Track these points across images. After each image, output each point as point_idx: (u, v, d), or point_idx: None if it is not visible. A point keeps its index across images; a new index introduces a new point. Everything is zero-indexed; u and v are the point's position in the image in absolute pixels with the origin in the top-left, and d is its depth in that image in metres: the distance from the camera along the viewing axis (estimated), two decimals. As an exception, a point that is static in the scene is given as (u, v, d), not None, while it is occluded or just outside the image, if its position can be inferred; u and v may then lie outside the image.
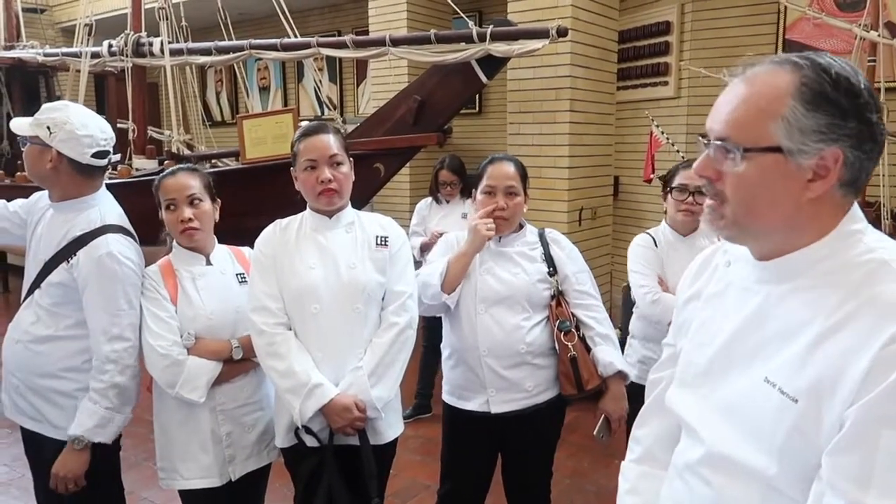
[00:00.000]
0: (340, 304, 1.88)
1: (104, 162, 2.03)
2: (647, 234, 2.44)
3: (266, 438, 2.03)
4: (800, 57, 0.89)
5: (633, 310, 2.49)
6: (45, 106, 2.01)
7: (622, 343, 2.48)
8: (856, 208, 0.93)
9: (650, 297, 2.31)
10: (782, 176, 0.88)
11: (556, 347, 2.07)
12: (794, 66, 0.88)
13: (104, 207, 2.01)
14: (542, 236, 2.19)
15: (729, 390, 0.97)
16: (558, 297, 2.11)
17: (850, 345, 0.81)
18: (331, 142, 1.91)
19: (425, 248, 3.78)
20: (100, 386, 1.87)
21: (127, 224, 2.05)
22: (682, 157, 4.27)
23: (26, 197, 2.17)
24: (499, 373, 2.05)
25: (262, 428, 2.02)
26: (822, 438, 0.83)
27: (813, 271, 0.90)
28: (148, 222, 2.11)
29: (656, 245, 2.39)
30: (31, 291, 1.99)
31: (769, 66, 0.90)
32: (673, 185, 2.35)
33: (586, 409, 1.93)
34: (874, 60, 3.59)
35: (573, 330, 2.08)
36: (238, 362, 1.95)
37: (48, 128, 1.93)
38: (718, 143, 0.92)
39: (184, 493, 2.00)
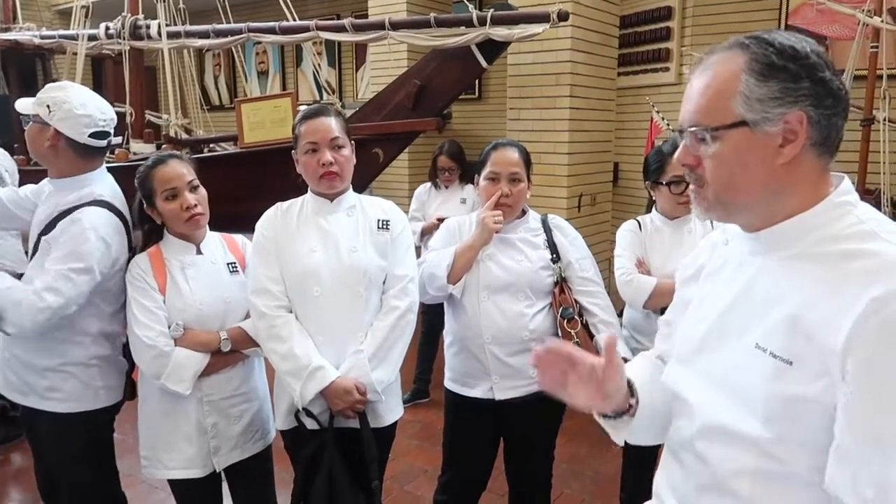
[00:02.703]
0: (341, 287, 1.87)
1: (103, 143, 2.03)
2: (636, 220, 2.44)
3: (252, 430, 2.03)
4: (746, 37, 0.95)
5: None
6: (47, 86, 2.03)
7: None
8: (846, 182, 0.95)
9: (624, 277, 2.31)
10: (753, 147, 0.92)
11: (560, 334, 2.07)
12: (741, 47, 0.93)
13: (99, 186, 2.01)
14: (545, 222, 2.18)
15: (723, 361, 0.99)
16: (561, 283, 2.10)
17: (839, 307, 0.83)
18: (332, 125, 1.90)
19: (425, 233, 3.77)
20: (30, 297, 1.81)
21: (119, 202, 2.03)
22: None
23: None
24: (502, 360, 2.05)
25: (249, 419, 2.01)
26: (811, 399, 0.85)
27: (802, 240, 0.93)
28: None
29: (641, 229, 2.39)
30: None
31: (720, 53, 0.96)
32: (668, 181, 2.27)
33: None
34: (877, 46, 3.57)
35: (576, 317, 2.07)
36: (226, 354, 1.94)
37: (48, 106, 1.94)
38: (690, 130, 0.97)
39: (172, 481, 2.00)
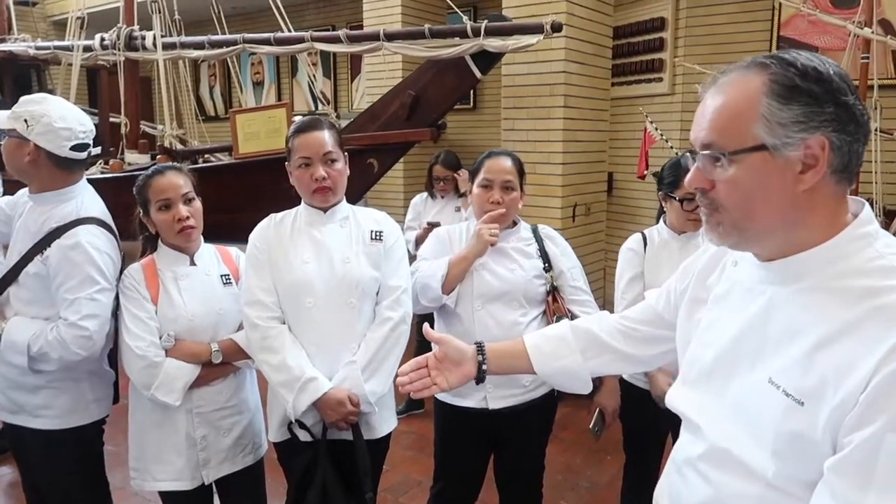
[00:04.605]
0: (335, 298, 1.87)
1: (83, 155, 2.00)
2: (641, 233, 2.38)
3: (242, 443, 2.02)
4: (765, 57, 0.91)
5: None
6: (23, 98, 1.98)
7: None
8: (867, 211, 0.92)
9: (618, 308, 2.24)
10: (773, 172, 0.88)
11: None
12: (760, 67, 0.89)
13: (82, 200, 1.99)
14: (535, 232, 2.19)
15: (734, 391, 0.97)
16: (553, 292, 2.11)
17: (855, 350, 0.81)
18: (325, 138, 1.90)
19: (419, 242, 3.78)
20: (48, 349, 1.85)
21: (106, 217, 2.02)
22: (676, 153, 4.27)
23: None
24: None
25: (239, 432, 2.00)
26: (819, 439, 0.83)
27: (819, 274, 0.90)
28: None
29: (646, 245, 2.33)
30: (7, 282, 1.97)
31: (738, 72, 0.92)
32: (682, 197, 2.21)
33: (578, 406, 1.94)
34: (867, 57, 3.60)
35: None
36: (217, 366, 1.93)
37: (25, 120, 1.90)
38: (705, 151, 0.93)
39: (162, 494, 1.99)
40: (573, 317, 2.11)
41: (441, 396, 2.19)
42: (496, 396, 2.07)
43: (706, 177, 0.94)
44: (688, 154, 0.96)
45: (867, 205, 0.93)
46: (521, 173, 2.13)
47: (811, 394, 0.85)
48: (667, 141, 4.31)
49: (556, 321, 2.06)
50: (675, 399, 1.11)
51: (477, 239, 2.04)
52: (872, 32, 3.57)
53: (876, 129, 3.64)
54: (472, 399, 2.10)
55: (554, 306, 2.10)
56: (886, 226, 3.61)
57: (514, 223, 2.18)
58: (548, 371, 1.40)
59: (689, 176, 0.97)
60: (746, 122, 0.88)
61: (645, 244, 2.34)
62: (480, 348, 1.41)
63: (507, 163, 2.11)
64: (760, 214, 0.91)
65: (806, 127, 0.86)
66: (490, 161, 2.12)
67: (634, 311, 1.37)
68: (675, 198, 2.23)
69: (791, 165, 0.87)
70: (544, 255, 2.14)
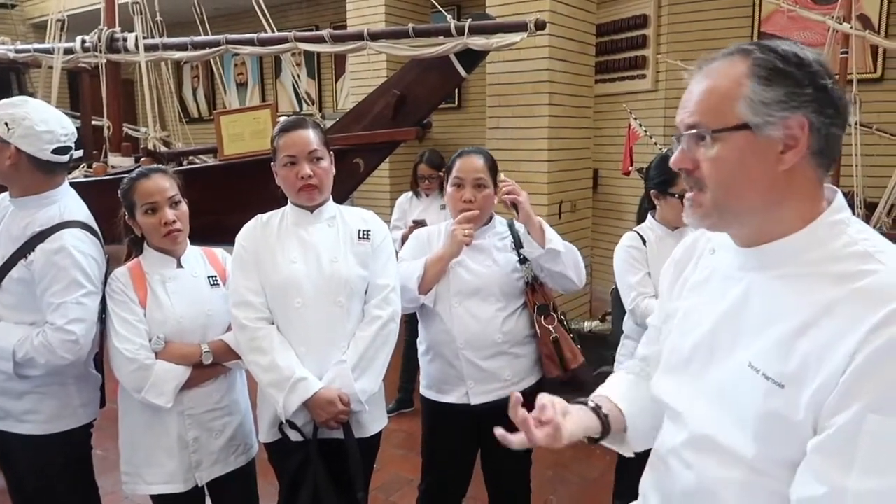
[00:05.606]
0: (323, 297, 1.87)
1: (65, 158, 1.97)
2: (635, 231, 2.37)
3: (234, 444, 2.01)
4: (749, 44, 0.95)
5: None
6: (2, 101, 1.95)
7: (616, 343, 2.47)
8: (839, 198, 0.95)
9: (630, 305, 2.27)
10: (755, 151, 0.91)
11: (538, 332, 2.11)
12: (744, 53, 0.94)
13: (65, 203, 1.97)
14: (511, 226, 2.21)
15: (714, 376, 0.99)
16: (533, 283, 2.13)
17: (835, 333, 0.83)
18: (310, 137, 1.90)
19: (406, 240, 3.78)
20: (34, 354, 1.83)
21: (90, 221, 2.01)
22: (661, 150, 4.31)
23: None
24: (477, 364, 2.07)
25: (230, 433, 2.00)
26: (800, 422, 0.85)
27: (797, 260, 0.92)
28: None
29: (644, 242, 2.33)
30: None
31: (722, 58, 0.96)
32: (682, 193, 2.16)
33: (567, 399, 1.93)
34: (847, 52, 3.65)
35: (553, 313, 2.12)
36: (207, 367, 1.93)
37: (6, 123, 1.87)
38: (690, 131, 0.96)
39: (153, 497, 1.98)
40: (555, 307, 2.15)
41: (425, 393, 2.21)
42: (477, 392, 2.09)
43: (690, 157, 0.97)
44: (674, 138, 0.96)
45: (839, 192, 0.96)
46: (493, 171, 2.15)
47: (792, 377, 0.87)
48: (651, 137, 4.34)
49: (538, 310, 2.10)
50: (657, 388, 1.12)
51: (451, 239, 2.06)
52: (851, 27, 3.62)
53: (856, 123, 3.69)
54: (453, 395, 2.12)
55: (534, 297, 2.14)
56: (867, 218, 3.66)
57: (490, 219, 2.19)
58: (635, 411, 1.20)
59: (674, 157, 0.99)
60: (731, 102, 0.92)
61: (643, 243, 2.33)
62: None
63: (478, 161, 2.12)
64: (742, 193, 0.93)
65: (787, 106, 0.89)
66: (461, 160, 2.14)
67: (645, 346, 1.29)
68: (673, 194, 2.24)
69: (773, 145, 0.90)
70: (519, 248, 2.15)
